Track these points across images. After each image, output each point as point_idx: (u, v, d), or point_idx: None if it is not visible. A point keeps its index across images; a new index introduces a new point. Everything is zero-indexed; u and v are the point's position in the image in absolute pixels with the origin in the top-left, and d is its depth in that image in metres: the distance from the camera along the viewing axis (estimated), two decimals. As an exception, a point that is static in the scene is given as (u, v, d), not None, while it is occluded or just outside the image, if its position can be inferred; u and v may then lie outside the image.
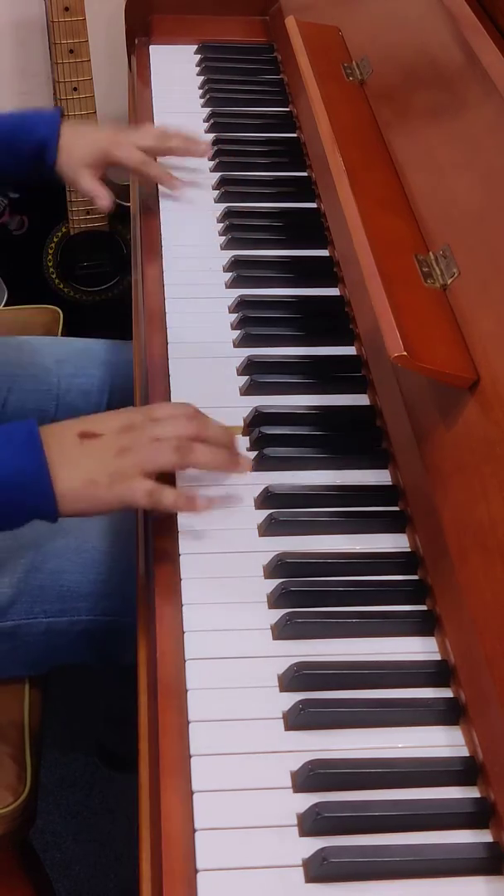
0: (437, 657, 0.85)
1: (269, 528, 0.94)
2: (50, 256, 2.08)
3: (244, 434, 1.03)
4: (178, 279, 1.24)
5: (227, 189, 1.38)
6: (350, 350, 1.15)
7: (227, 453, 0.96)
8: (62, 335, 1.68)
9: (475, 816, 0.75)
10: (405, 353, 0.88)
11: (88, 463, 0.92)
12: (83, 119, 1.96)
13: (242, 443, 1.02)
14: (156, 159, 1.37)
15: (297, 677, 0.82)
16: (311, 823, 0.73)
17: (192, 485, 0.97)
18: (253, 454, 1.01)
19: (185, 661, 0.84)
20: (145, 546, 0.96)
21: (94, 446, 0.93)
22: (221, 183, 1.39)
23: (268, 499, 0.96)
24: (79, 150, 1.32)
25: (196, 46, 1.69)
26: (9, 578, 1.12)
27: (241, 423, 1.04)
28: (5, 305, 2.07)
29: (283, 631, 0.86)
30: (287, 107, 1.57)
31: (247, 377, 1.10)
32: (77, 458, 0.92)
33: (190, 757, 0.77)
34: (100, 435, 0.93)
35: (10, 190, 1.35)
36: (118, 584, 1.13)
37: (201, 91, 1.59)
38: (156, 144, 1.37)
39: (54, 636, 1.14)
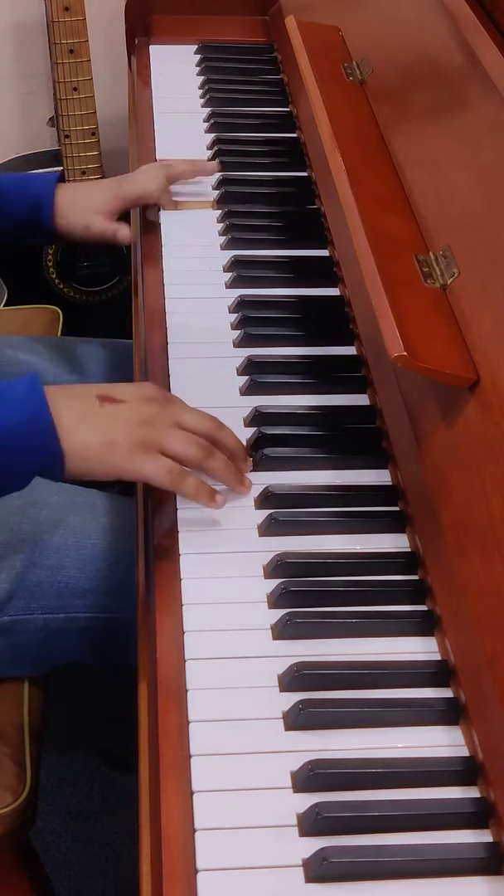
0: (437, 657, 0.85)
1: (269, 528, 0.94)
2: (50, 256, 2.08)
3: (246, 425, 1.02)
4: (178, 279, 1.24)
5: (227, 189, 1.38)
6: (350, 350, 1.15)
7: (236, 470, 0.97)
8: (62, 335, 1.68)
9: (475, 816, 0.75)
10: (405, 353, 0.88)
11: (107, 425, 0.91)
12: (83, 119, 1.96)
13: (243, 443, 1.02)
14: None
15: (297, 677, 0.82)
16: (311, 823, 0.73)
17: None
18: (253, 454, 1.01)
19: (185, 661, 0.84)
20: (145, 545, 0.96)
21: (115, 411, 0.92)
22: (221, 183, 1.39)
23: (268, 499, 0.96)
24: (82, 203, 1.31)
25: (196, 46, 1.69)
26: (6, 574, 1.12)
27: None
28: (5, 305, 2.07)
29: (283, 631, 0.86)
30: (287, 107, 1.57)
31: (247, 377, 1.10)
32: (94, 418, 0.92)
33: (190, 757, 0.77)
34: (121, 401, 0.93)
35: (8, 248, 1.35)
36: (117, 581, 1.13)
37: (201, 91, 1.59)
38: (163, 177, 1.36)
39: (52, 633, 1.14)
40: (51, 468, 0.91)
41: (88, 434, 0.91)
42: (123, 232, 1.33)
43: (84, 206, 1.32)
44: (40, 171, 1.48)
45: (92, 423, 0.91)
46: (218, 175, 1.40)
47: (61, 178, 1.34)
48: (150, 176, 1.35)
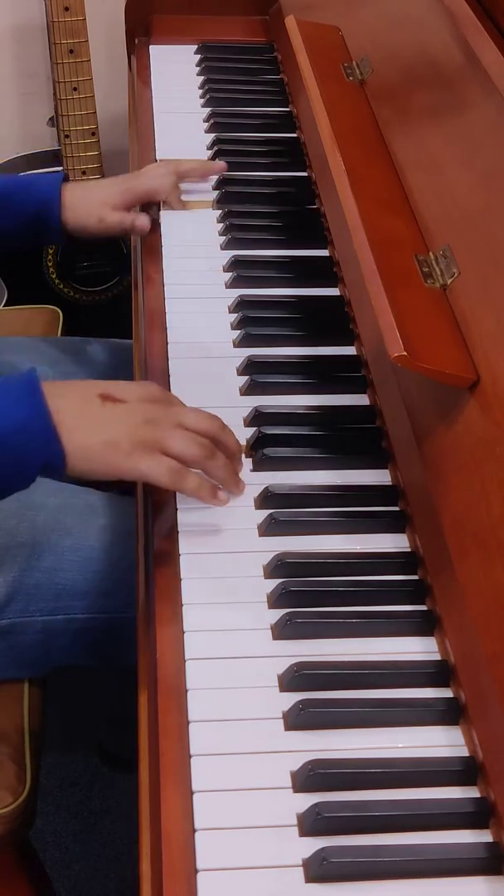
0: (437, 657, 0.85)
1: (269, 528, 0.94)
2: (50, 256, 2.08)
3: (246, 455, 1.01)
4: (178, 279, 1.24)
5: (227, 189, 1.38)
6: (350, 350, 1.15)
7: (234, 472, 0.97)
8: (62, 335, 1.68)
9: (475, 816, 0.75)
10: (405, 353, 0.88)
11: (108, 424, 0.91)
12: (83, 119, 1.96)
13: (242, 443, 1.02)
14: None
15: (297, 677, 0.82)
16: (311, 823, 0.73)
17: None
18: (253, 454, 1.01)
19: (185, 661, 0.84)
20: (145, 546, 0.96)
21: (117, 410, 0.92)
22: (221, 183, 1.39)
23: (268, 499, 0.96)
24: (92, 196, 1.31)
25: (196, 46, 1.69)
26: (4, 577, 1.12)
27: (244, 444, 1.02)
28: (5, 305, 2.07)
29: (283, 631, 0.86)
30: (287, 107, 1.57)
31: (247, 377, 1.10)
32: (98, 418, 0.91)
33: (190, 757, 0.77)
34: (123, 401, 0.93)
35: (15, 250, 1.33)
36: (115, 582, 1.13)
37: (201, 91, 1.59)
38: (171, 175, 1.36)
39: (50, 635, 1.14)
40: (52, 467, 0.91)
41: (90, 433, 0.90)
42: (142, 220, 1.31)
43: (94, 200, 1.31)
44: (44, 171, 1.45)
45: (93, 422, 0.91)
46: (218, 175, 1.39)
47: (66, 178, 1.33)
48: (159, 172, 1.35)
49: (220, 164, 1.40)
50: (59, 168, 1.99)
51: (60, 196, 1.29)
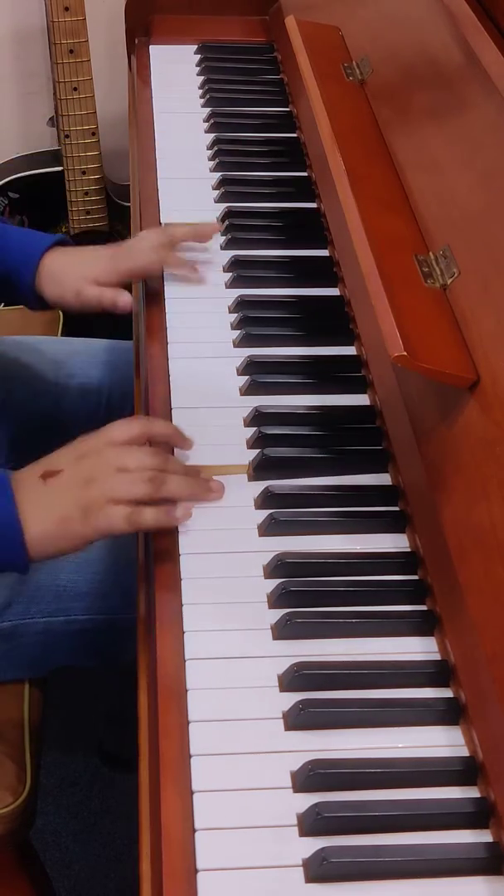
0: (437, 657, 0.85)
1: (269, 528, 0.94)
2: (50, 256, 2.08)
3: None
4: (177, 279, 1.24)
5: (227, 189, 1.38)
6: (350, 350, 1.15)
7: (198, 481, 0.96)
8: (62, 335, 1.68)
9: (475, 816, 0.75)
10: (405, 353, 0.87)
11: (56, 501, 0.91)
12: (83, 118, 1.96)
13: (242, 443, 1.02)
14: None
15: (297, 677, 0.82)
16: (311, 823, 0.73)
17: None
18: (253, 454, 1.01)
19: (185, 661, 0.84)
20: (145, 546, 0.96)
21: (58, 483, 0.92)
22: (221, 183, 1.39)
23: (268, 499, 0.96)
24: (75, 270, 1.20)
25: (196, 46, 1.69)
26: (5, 579, 1.12)
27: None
28: (5, 305, 2.06)
29: (283, 631, 0.86)
30: (287, 107, 1.57)
31: (247, 377, 1.10)
32: (43, 499, 0.91)
33: (190, 757, 0.77)
34: (59, 471, 0.93)
35: None
36: (115, 583, 1.13)
37: (201, 91, 1.59)
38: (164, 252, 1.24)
39: (51, 636, 1.14)
40: (15, 566, 0.92)
41: (43, 519, 0.91)
42: (124, 299, 1.19)
43: (75, 274, 1.19)
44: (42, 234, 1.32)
45: (42, 506, 0.91)
46: (218, 175, 1.39)
47: (63, 242, 1.23)
48: (151, 244, 1.22)
49: (214, 225, 1.30)
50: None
51: (38, 264, 1.19)
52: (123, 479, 0.91)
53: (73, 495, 0.91)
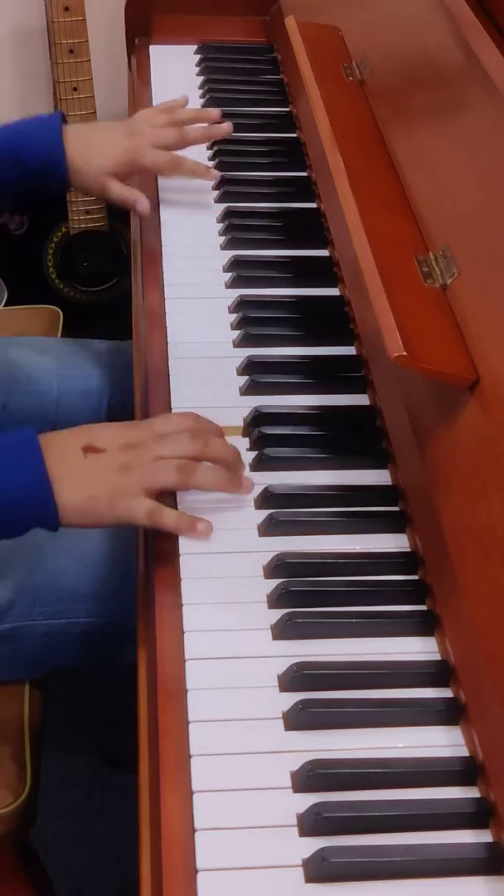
0: (437, 657, 0.85)
1: (269, 528, 0.94)
2: (50, 256, 2.08)
3: (243, 435, 1.03)
4: (178, 279, 1.24)
5: (227, 189, 1.38)
6: (350, 350, 1.15)
7: (229, 474, 0.96)
8: (62, 335, 1.68)
9: (475, 816, 0.75)
10: (405, 354, 0.88)
11: (90, 478, 0.92)
12: (83, 118, 1.96)
13: (242, 443, 1.02)
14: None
15: (297, 677, 0.82)
16: (311, 823, 0.73)
17: (195, 497, 0.97)
18: (253, 454, 1.01)
19: (185, 661, 0.84)
20: (145, 546, 0.96)
21: (97, 461, 0.93)
22: (221, 183, 1.39)
23: (268, 499, 0.96)
24: (96, 161, 1.28)
25: (196, 46, 1.69)
26: (7, 582, 1.12)
27: (241, 424, 1.04)
28: (5, 305, 2.07)
29: (283, 631, 0.86)
30: (287, 107, 1.57)
31: (247, 377, 1.10)
32: (79, 472, 0.92)
33: (190, 757, 0.77)
34: (103, 450, 0.93)
35: (19, 209, 1.31)
36: (117, 585, 1.13)
37: (201, 91, 1.59)
38: (176, 140, 1.34)
39: (53, 638, 1.14)
40: (47, 524, 0.93)
41: (74, 491, 0.91)
42: (143, 204, 1.29)
43: (98, 167, 1.27)
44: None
45: (77, 478, 0.92)
46: (218, 175, 1.39)
47: (63, 119, 1.28)
48: (165, 143, 1.31)
49: (226, 127, 1.38)
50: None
51: (64, 154, 1.25)
52: (156, 469, 0.93)
53: (108, 478, 0.92)
